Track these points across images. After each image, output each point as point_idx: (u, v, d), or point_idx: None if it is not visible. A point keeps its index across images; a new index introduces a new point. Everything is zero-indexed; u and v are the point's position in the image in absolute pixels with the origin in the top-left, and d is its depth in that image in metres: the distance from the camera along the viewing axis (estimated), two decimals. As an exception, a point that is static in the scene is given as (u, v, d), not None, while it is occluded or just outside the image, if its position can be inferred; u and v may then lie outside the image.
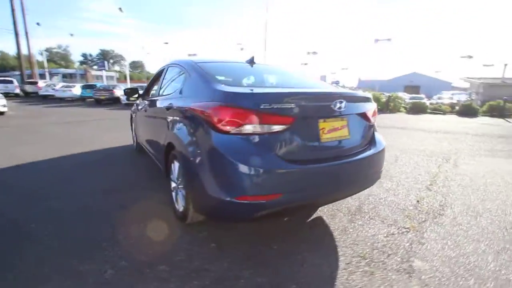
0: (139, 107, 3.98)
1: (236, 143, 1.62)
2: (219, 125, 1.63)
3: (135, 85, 21.94)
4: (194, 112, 1.85)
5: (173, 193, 2.41)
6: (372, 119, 2.17)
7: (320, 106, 1.78)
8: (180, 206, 2.25)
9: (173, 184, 2.43)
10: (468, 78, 26.77)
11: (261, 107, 1.60)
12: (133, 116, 4.42)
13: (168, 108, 2.38)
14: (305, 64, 47.92)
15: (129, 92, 3.97)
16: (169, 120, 2.34)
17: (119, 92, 17.72)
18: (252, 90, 1.67)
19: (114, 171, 3.65)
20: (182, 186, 2.15)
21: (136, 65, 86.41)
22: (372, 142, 2.17)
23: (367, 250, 1.96)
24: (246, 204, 1.61)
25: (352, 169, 1.90)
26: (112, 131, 6.87)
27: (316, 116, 1.77)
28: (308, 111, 1.74)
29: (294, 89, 1.84)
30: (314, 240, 2.08)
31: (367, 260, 1.85)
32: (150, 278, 1.62)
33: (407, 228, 2.28)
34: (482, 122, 10.85)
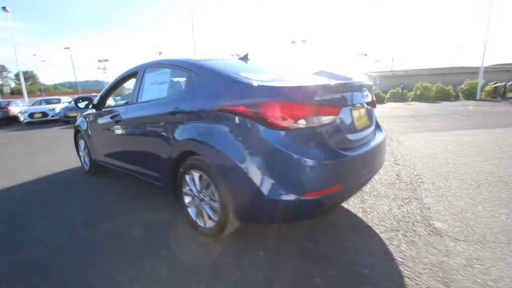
0: (96, 119, 3.34)
1: (294, 138, 1.54)
2: (276, 122, 1.52)
3: (34, 99, 18.37)
4: (232, 111, 1.67)
5: (191, 209, 2.13)
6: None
7: (353, 95, 1.86)
8: (206, 220, 2.01)
9: (188, 199, 2.15)
10: (368, 72, 32.03)
11: (315, 99, 1.57)
12: (83, 131, 3.67)
13: (175, 112, 2.08)
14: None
15: (81, 102, 3.30)
16: (179, 125, 2.04)
17: (16, 110, 14.38)
18: (299, 83, 1.62)
19: (78, 199, 2.97)
20: (209, 197, 1.92)
21: (25, 76, 71.27)
22: (378, 127, 2.40)
23: (395, 223, 2.16)
24: (312, 200, 1.55)
25: (378, 152, 2.06)
26: (33, 156, 5.54)
27: (350, 105, 1.85)
28: (346, 100, 1.80)
29: (336, 80, 1.84)
30: (346, 226, 2.16)
31: (401, 232, 2.03)
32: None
33: (408, 198, 2.60)
34: (391, 107, 13.14)
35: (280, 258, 1.77)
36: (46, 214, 2.64)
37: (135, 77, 3.07)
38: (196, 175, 2.00)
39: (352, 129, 1.85)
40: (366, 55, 37.53)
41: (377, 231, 2.06)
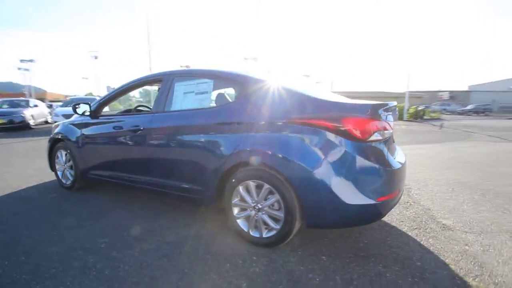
0: (96, 128, 3.01)
1: (371, 149, 1.77)
2: (358, 134, 1.72)
3: None
4: (309, 124, 1.80)
5: (241, 220, 2.13)
6: None
7: (392, 114, 2.18)
8: (262, 230, 2.03)
9: (237, 210, 2.14)
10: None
11: (381, 116, 1.83)
12: (70, 141, 3.21)
13: (229, 123, 2.08)
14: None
15: (79, 108, 2.95)
16: (235, 136, 2.05)
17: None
18: (369, 102, 1.85)
19: (77, 218, 2.58)
20: (269, 207, 1.97)
21: None
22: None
23: (412, 222, 2.53)
24: (384, 203, 1.78)
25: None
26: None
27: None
28: (391, 118, 2.10)
29: (385, 101, 2.10)
30: (378, 228, 2.42)
31: (421, 229, 2.40)
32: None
33: (407, 202, 3.05)
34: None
35: (343, 260, 1.92)
36: (52, 239, 2.23)
37: (151, 85, 2.92)
38: (252, 185, 2.03)
39: (392, 143, 2.17)
40: (308, 76, 41.08)
41: (403, 230, 2.39)
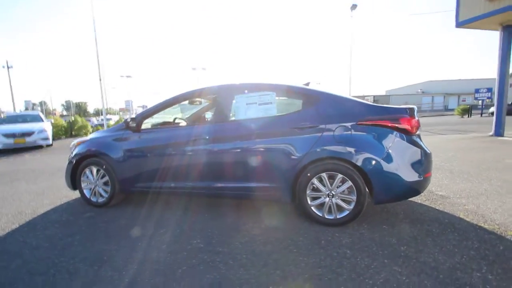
0: (146, 140, 3.07)
1: (417, 140, 2.45)
2: (411, 130, 2.38)
3: None
4: (375, 124, 2.38)
5: (315, 207, 2.57)
6: None
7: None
8: (335, 212, 2.51)
9: (309, 200, 2.57)
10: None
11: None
12: (108, 156, 3.15)
13: (302, 127, 2.53)
14: (114, 87, 43.89)
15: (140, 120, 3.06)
16: (308, 137, 2.50)
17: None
18: (406, 106, 2.53)
19: (143, 230, 2.64)
20: (341, 192, 2.48)
21: None
22: None
23: (420, 197, 3.32)
24: (427, 179, 2.46)
25: None
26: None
27: None
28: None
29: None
30: (401, 204, 3.14)
31: (430, 201, 3.21)
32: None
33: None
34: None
35: (398, 226, 2.53)
36: (141, 249, 2.30)
37: (204, 98, 3.16)
38: (325, 176, 2.50)
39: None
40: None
41: (419, 202, 3.15)
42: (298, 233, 2.46)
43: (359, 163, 2.40)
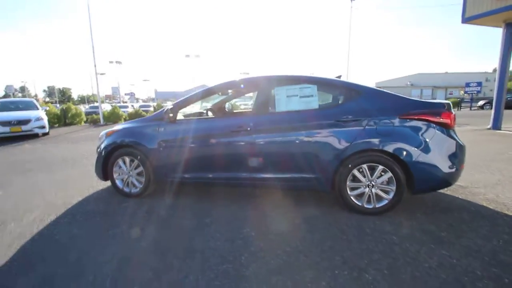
0: (184, 131, 3.10)
1: (454, 133, 2.61)
2: (451, 124, 2.53)
3: None
4: (418, 118, 2.51)
5: (354, 197, 2.71)
6: None
7: None
8: (374, 202, 2.66)
9: (349, 190, 2.70)
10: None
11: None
12: (147, 147, 3.17)
13: (345, 120, 2.63)
14: (103, 73, 42.51)
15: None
16: (352, 129, 2.61)
17: None
18: (442, 101, 2.67)
19: (198, 220, 2.72)
20: (381, 182, 2.61)
21: None
22: None
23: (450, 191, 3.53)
24: (460, 170, 2.63)
25: None
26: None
27: None
28: None
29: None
30: (429, 194, 3.32)
31: (452, 191, 3.41)
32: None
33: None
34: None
35: (432, 215, 2.71)
36: (207, 236, 2.37)
37: (237, 91, 3.18)
38: (365, 167, 2.63)
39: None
40: (247, 73, 42.41)
41: (443, 192, 3.35)
42: (340, 222, 2.59)
43: (401, 156, 2.53)
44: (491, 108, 8.96)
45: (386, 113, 2.61)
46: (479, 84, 20.33)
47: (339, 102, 2.83)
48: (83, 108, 30.13)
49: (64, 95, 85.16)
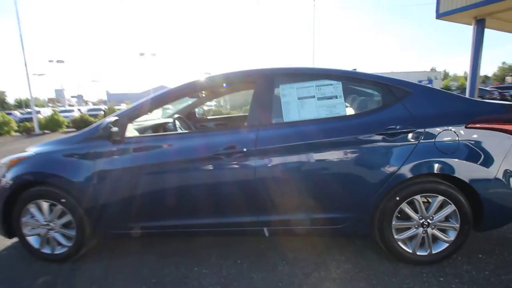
0: (126, 157, 1.95)
1: None
2: None
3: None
4: (491, 128, 1.74)
5: (401, 242, 1.88)
6: None
7: None
8: (430, 247, 1.86)
9: (395, 232, 1.87)
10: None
11: None
12: (71, 182, 1.96)
13: (393, 133, 1.76)
14: (42, 74, 37.41)
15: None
16: (401, 147, 1.76)
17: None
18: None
19: None
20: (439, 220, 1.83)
21: None
22: None
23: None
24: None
25: None
26: None
27: None
28: None
29: None
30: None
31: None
32: None
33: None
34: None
35: (493, 254, 2.00)
36: None
37: (214, 92, 2.17)
38: (419, 199, 1.81)
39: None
40: (209, 73, 40.72)
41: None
42: (388, 269, 1.74)
43: (470, 182, 1.75)
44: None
45: (447, 120, 1.80)
46: (430, 81, 21.75)
47: (379, 105, 1.96)
48: (18, 113, 25.57)
49: (-5, 100, 73.55)
